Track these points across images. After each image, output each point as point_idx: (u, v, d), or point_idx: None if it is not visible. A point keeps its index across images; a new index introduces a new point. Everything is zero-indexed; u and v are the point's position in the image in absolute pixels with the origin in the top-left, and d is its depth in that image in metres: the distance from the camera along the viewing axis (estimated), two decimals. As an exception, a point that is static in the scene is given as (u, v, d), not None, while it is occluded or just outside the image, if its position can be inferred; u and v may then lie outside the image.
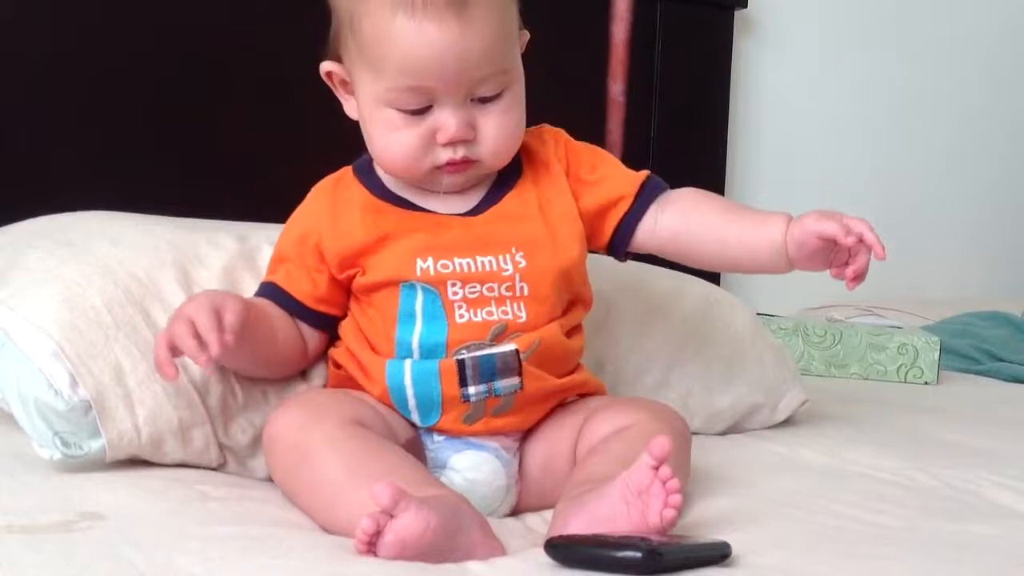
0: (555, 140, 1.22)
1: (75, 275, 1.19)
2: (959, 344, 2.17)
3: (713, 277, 2.29)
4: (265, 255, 1.29)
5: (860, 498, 1.17)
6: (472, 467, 1.10)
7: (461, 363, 1.10)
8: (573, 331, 1.18)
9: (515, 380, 1.11)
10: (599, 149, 1.24)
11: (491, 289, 1.11)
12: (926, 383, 1.97)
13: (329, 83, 1.19)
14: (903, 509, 1.14)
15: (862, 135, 2.70)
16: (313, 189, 1.21)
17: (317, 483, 1.01)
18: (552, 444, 1.14)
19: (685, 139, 2.36)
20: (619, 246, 1.22)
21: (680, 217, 1.20)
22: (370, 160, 1.19)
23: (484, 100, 1.11)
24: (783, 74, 2.56)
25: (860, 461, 1.33)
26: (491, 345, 1.11)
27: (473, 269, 1.11)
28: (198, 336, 1.03)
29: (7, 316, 1.16)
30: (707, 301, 1.54)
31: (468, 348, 1.10)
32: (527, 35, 1.17)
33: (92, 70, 1.79)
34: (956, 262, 2.84)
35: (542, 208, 1.16)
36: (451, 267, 1.11)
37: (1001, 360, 2.13)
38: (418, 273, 1.11)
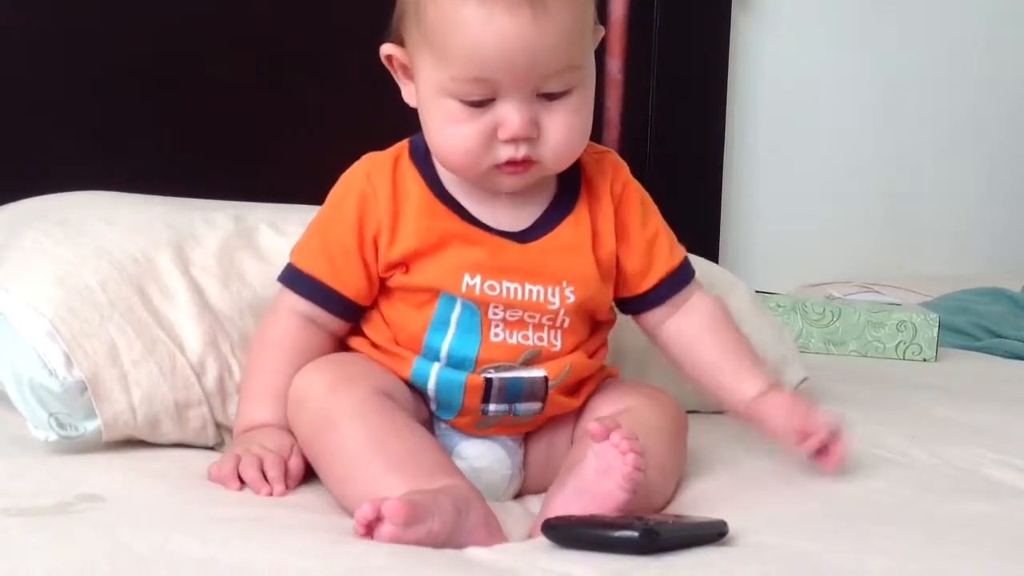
0: (615, 173, 1.15)
1: (70, 255, 1.19)
2: (958, 321, 2.17)
3: (711, 254, 2.30)
4: (263, 234, 1.29)
5: (858, 475, 1.17)
6: (478, 456, 1.10)
7: (488, 382, 1.08)
8: (599, 350, 1.16)
9: (537, 405, 1.10)
10: (649, 200, 1.18)
11: (532, 316, 1.09)
12: (925, 360, 1.97)
13: (389, 67, 1.12)
14: (902, 487, 1.14)
15: (861, 111, 2.69)
16: (367, 165, 1.13)
17: (338, 452, 1.01)
18: (555, 430, 1.14)
19: (683, 116, 2.36)
20: (625, 309, 1.20)
21: (677, 346, 1.19)
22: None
23: (551, 97, 1.04)
24: (781, 50, 2.55)
25: (859, 438, 1.33)
26: (521, 367, 1.09)
27: (520, 296, 1.08)
28: (263, 473, 1.03)
29: (2, 296, 1.16)
30: (706, 279, 1.52)
31: (497, 368, 1.08)
32: (602, 31, 1.10)
33: (91, 50, 1.78)
34: (955, 239, 2.84)
35: (595, 241, 1.12)
36: (498, 289, 1.07)
37: (1000, 336, 2.13)
38: (463, 289, 1.07)
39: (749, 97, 2.52)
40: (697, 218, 2.38)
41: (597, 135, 2.23)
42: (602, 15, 2.24)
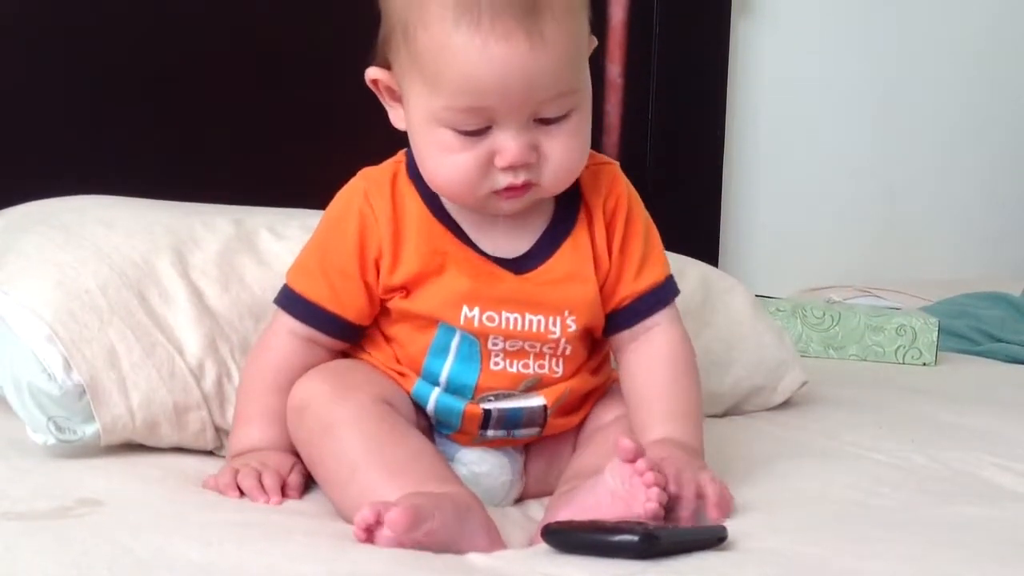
0: (609, 189, 1.11)
1: (70, 259, 1.19)
2: (957, 325, 2.17)
3: (711, 258, 2.30)
4: (263, 239, 1.29)
5: (858, 480, 1.17)
6: (478, 461, 1.10)
7: (487, 412, 1.07)
8: (601, 364, 1.15)
9: (535, 430, 1.10)
10: (638, 217, 1.12)
11: (533, 346, 1.07)
12: (924, 364, 1.96)
13: (374, 90, 1.09)
14: (901, 491, 1.14)
15: (861, 115, 2.69)
16: (366, 183, 1.09)
17: (337, 458, 1.01)
18: (557, 437, 1.13)
19: (683, 121, 2.35)
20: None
21: (625, 374, 1.12)
22: None
23: (548, 121, 1.01)
24: (781, 55, 2.55)
25: (858, 443, 1.33)
26: (520, 395, 1.08)
27: (520, 327, 1.06)
28: (261, 483, 1.03)
29: (1, 300, 1.16)
30: (706, 283, 1.54)
31: (496, 396, 1.07)
32: (595, 41, 1.07)
33: (91, 50, 1.78)
34: (955, 242, 2.84)
35: (596, 263, 1.09)
36: (497, 320, 1.05)
37: (999, 341, 2.13)
38: (462, 321, 1.05)
39: (749, 101, 2.52)
40: (697, 222, 2.38)
41: (597, 139, 2.23)
42: (602, 20, 2.26)
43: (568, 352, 1.09)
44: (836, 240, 2.64)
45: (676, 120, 2.34)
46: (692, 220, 2.34)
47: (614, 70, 2.27)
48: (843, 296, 2.34)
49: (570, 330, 1.07)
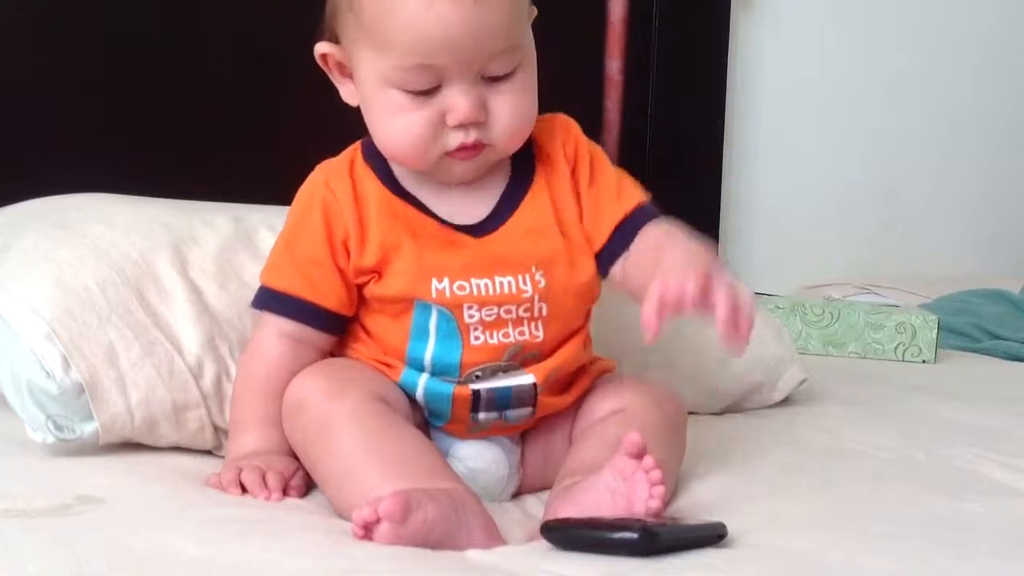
0: (564, 133, 1.14)
1: (69, 257, 1.19)
2: (957, 322, 2.17)
3: (711, 255, 2.30)
4: (262, 237, 1.29)
5: (858, 477, 1.17)
6: (474, 456, 1.10)
7: (476, 393, 1.07)
8: (586, 340, 1.15)
9: (527, 410, 1.10)
10: (599, 156, 1.14)
11: (509, 311, 1.07)
12: (924, 361, 1.96)
13: (324, 67, 1.11)
14: (901, 487, 1.14)
15: (860, 111, 2.69)
16: (324, 173, 1.12)
17: (334, 456, 1.01)
18: (552, 429, 1.14)
19: (682, 116, 2.35)
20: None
21: (622, 285, 1.12)
22: None
23: (496, 79, 1.04)
24: (780, 50, 2.55)
25: (858, 440, 1.33)
26: (507, 369, 1.08)
27: (491, 291, 1.06)
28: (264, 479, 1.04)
29: (1, 298, 1.16)
30: (705, 280, 1.53)
31: (482, 371, 1.08)
32: (535, 11, 1.10)
33: (90, 49, 1.78)
34: (955, 239, 2.84)
35: (557, 216, 1.10)
36: (468, 289, 1.06)
37: (999, 338, 2.13)
38: (434, 295, 1.06)
39: (749, 97, 2.52)
40: (696, 219, 2.37)
41: (597, 136, 2.23)
42: (601, 15, 2.26)
43: (545, 312, 1.09)
44: (836, 237, 2.64)
45: (676, 116, 2.34)
46: (691, 217, 2.33)
47: (614, 66, 2.27)
48: (842, 293, 2.34)
49: (540, 286, 1.08)
